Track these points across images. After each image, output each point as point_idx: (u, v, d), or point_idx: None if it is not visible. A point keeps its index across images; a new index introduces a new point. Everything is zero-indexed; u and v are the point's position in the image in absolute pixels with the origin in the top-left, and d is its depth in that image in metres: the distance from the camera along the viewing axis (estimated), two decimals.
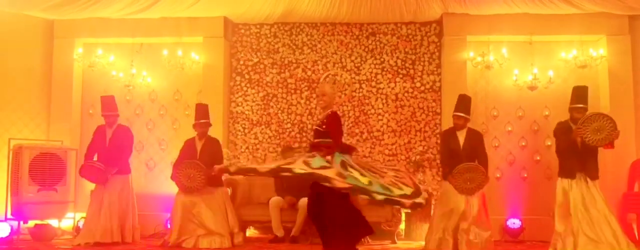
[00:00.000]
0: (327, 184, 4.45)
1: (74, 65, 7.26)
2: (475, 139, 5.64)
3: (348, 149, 5.02)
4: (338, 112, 5.22)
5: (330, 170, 4.53)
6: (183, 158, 5.83)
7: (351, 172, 4.54)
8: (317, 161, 4.62)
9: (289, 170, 4.58)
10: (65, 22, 7.24)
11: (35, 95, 7.07)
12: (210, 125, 6.04)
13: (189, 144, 5.98)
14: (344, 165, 4.63)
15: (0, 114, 6.78)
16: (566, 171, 5.22)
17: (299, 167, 4.57)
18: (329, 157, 4.64)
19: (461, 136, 5.61)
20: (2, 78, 6.85)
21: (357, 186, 4.43)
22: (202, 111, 6.02)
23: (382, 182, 4.57)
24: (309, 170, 4.52)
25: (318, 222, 4.89)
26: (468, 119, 5.64)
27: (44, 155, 6.41)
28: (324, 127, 4.89)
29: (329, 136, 4.81)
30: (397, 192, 4.51)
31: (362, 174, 4.57)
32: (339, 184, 4.41)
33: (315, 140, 4.95)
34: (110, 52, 7.26)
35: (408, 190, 4.56)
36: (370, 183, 4.49)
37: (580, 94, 5.32)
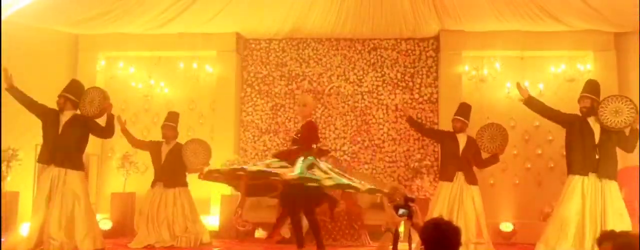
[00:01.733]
0: (276, 178, 4.66)
1: (96, 77, 7.52)
2: (475, 145, 5.93)
3: (321, 153, 5.22)
4: (314, 122, 5.44)
5: (287, 169, 4.70)
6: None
7: (314, 172, 4.69)
8: (276, 162, 4.89)
9: (244, 169, 4.86)
10: (89, 37, 7.54)
11: None
12: (174, 128, 6.34)
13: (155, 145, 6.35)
14: (311, 166, 4.76)
15: (29, 121, 6.66)
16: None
17: (252, 166, 4.82)
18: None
19: (461, 139, 5.87)
20: (30, 88, 6.71)
21: (306, 177, 4.56)
22: (171, 116, 6.40)
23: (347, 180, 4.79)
24: (261, 168, 4.73)
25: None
26: (466, 123, 5.97)
27: None
28: (299, 135, 5.14)
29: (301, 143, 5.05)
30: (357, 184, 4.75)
31: (326, 173, 4.73)
32: (286, 176, 4.57)
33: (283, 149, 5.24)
34: (130, 64, 7.57)
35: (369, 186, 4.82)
36: (328, 179, 4.63)
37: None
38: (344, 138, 7.55)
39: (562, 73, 7.16)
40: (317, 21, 7.19)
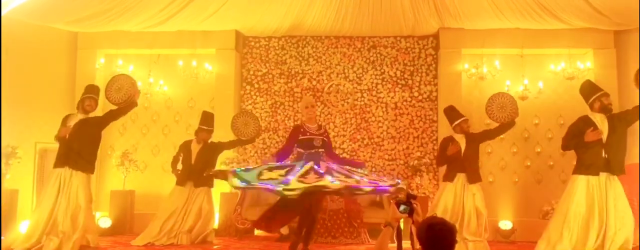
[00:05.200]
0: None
1: (96, 74, 7.54)
2: (475, 136, 5.90)
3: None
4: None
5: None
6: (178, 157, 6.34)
7: (335, 175, 4.67)
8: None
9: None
10: (88, 35, 7.55)
11: (60, 102, 7.20)
12: (211, 131, 6.36)
13: (185, 146, 6.35)
14: (307, 173, 4.70)
15: (28, 119, 6.95)
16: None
17: (285, 187, 4.48)
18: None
19: (461, 141, 5.80)
20: (31, 86, 7.03)
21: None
22: (206, 118, 6.40)
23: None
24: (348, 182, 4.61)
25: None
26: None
27: None
28: (326, 139, 5.15)
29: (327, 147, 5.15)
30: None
31: (332, 175, 4.70)
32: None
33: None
34: (129, 62, 7.57)
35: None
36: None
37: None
38: (344, 136, 7.56)
39: (561, 71, 7.18)
40: (316, 19, 7.22)
